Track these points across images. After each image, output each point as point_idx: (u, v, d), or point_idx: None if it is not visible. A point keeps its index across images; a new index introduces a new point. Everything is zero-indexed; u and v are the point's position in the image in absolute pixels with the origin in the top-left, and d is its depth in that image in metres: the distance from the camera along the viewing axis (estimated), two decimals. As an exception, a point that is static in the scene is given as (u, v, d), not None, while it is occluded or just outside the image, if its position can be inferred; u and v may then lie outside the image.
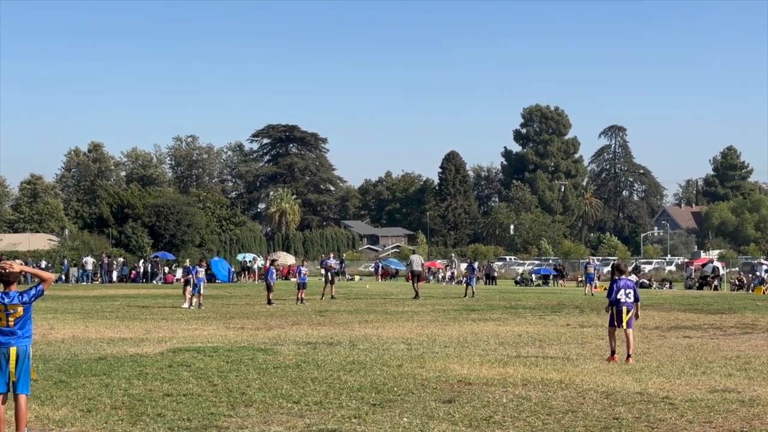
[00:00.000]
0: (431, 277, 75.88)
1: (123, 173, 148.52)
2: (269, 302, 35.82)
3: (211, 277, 56.95)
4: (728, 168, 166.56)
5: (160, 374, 15.28)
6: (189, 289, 35.16)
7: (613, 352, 17.31)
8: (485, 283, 65.20)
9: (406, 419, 11.52)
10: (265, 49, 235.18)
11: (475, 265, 46.69)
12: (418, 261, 43.04)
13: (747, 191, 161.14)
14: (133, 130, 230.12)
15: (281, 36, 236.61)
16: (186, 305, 34.37)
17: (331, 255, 43.84)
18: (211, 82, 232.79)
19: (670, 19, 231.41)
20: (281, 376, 15.13)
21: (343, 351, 18.94)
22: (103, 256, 68.90)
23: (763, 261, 59.20)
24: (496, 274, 71.25)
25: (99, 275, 66.55)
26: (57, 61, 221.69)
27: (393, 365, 16.46)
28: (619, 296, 17.52)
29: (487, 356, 18.00)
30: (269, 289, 36.61)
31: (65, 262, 69.51)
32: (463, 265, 53.29)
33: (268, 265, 41.18)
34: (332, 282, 40.42)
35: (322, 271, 38.46)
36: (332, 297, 39.47)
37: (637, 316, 17.99)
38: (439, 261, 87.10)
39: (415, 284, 41.36)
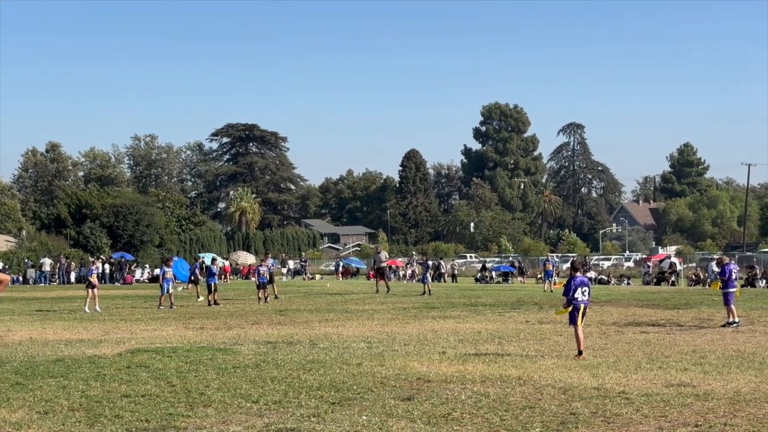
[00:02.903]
0: (392, 275, 75.97)
1: (81, 173, 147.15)
2: (264, 300, 37.07)
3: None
4: (685, 164, 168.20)
5: (118, 375, 15.21)
6: (93, 291, 33.40)
7: (580, 352, 17.38)
8: (439, 281, 65.49)
9: (365, 417, 11.56)
10: (224, 48, 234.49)
11: (430, 263, 47.02)
12: (384, 257, 45.65)
13: (704, 187, 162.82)
14: (91, 130, 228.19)
15: (239, 35, 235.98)
16: (86, 309, 32.88)
17: (269, 256, 44.22)
18: (170, 82, 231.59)
19: (626, 18, 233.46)
20: (240, 375, 15.12)
21: (303, 350, 18.95)
22: (61, 257, 68.31)
23: (714, 256, 59.89)
24: (443, 271, 70.70)
25: (57, 276, 65.99)
26: (13, 61, 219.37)
27: (353, 364, 16.49)
28: (576, 294, 17.64)
29: (446, 354, 18.07)
30: (260, 287, 37.69)
31: (28, 261, 68.92)
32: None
33: (254, 265, 42.01)
34: (271, 282, 40.32)
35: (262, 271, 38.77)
36: (275, 296, 39.41)
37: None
38: (399, 259, 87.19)
39: (380, 280, 43.86)
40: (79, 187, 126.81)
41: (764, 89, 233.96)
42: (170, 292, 34.74)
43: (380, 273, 45.03)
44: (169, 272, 35.52)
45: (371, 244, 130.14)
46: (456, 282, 66.50)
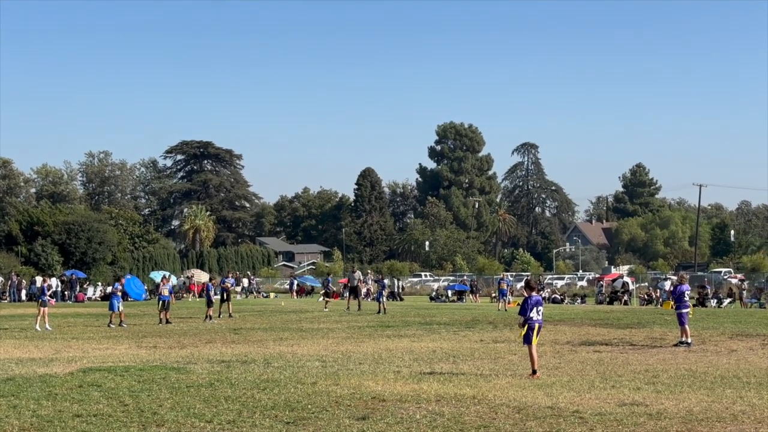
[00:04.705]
0: (347, 294, 75.74)
1: (33, 190, 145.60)
2: (209, 317, 37.07)
3: (123, 295, 56.09)
4: (637, 185, 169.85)
5: (69, 395, 15.03)
6: (44, 309, 32.93)
7: (534, 371, 17.43)
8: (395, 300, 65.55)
9: (319, 437, 11.52)
10: (179, 63, 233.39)
11: (385, 282, 47.37)
12: (357, 276, 46.99)
13: (656, 208, 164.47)
14: (44, 146, 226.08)
15: (194, 51, 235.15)
16: (38, 327, 32.33)
17: (230, 274, 44.37)
18: (125, 98, 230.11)
19: (578, 40, 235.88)
20: (194, 395, 15.00)
21: (257, 369, 18.85)
22: (12, 274, 67.47)
23: (669, 276, 60.44)
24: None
25: (7, 294, 65.15)
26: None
27: (307, 383, 16.44)
28: (531, 314, 17.71)
29: (401, 373, 18.07)
30: (210, 305, 37.77)
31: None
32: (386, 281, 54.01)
33: (205, 282, 42.29)
34: (228, 300, 40.35)
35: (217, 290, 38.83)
36: (229, 315, 39.31)
37: None
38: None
39: (352, 299, 45.76)
40: (30, 203, 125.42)
41: (715, 112, 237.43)
42: (120, 310, 34.48)
43: (353, 292, 45.61)
44: (119, 290, 35.47)
45: (326, 262, 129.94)
46: (402, 300, 66.02)
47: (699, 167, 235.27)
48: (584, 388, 15.75)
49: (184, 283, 70.15)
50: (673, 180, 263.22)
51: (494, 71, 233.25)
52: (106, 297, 64.18)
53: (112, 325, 33.76)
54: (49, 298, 33.66)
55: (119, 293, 35.27)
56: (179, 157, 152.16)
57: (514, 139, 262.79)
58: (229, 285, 41.37)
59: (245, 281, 77.79)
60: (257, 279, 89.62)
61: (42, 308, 32.92)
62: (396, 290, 70.07)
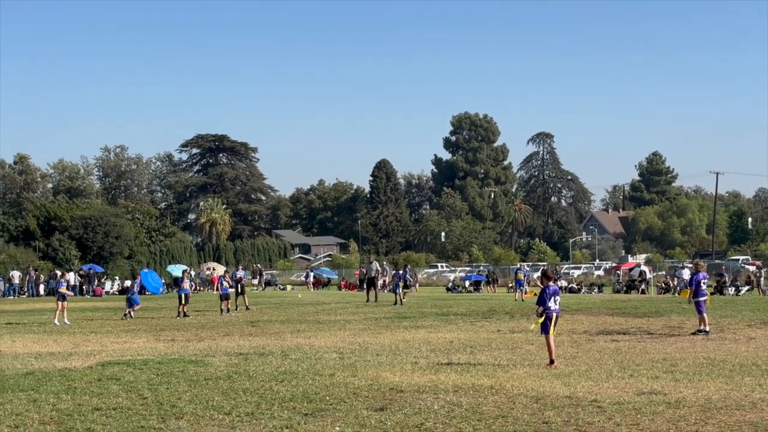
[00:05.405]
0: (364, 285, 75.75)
1: (50, 185, 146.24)
2: (227, 311, 36.80)
3: (141, 289, 56.31)
4: (654, 173, 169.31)
5: (89, 388, 15.08)
6: (63, 304, 32.87)
7: (552, 361, 17.38)
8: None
9: (338, 428, 11.52)
10: (193, 57, 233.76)
11: (401, 273, 47.27)
12: (375, 268, 47.01)
13: (673, 196, 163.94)
14: (60, 142, 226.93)
15: (209, 45, 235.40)
16: (56, 321, 32.25)
17: (240, 267, 44.39)
18: (140, 92, 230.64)
19: (593, 29, 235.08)
20: (212, 387, 15.03)
21: (275, 361, 18.88)
22: (30, 269, 67.81)
23: (686, 265, 60.23)
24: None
25: (26, 289, 65.49)
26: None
27: (325, 374, 16.45)
28: (549, 303, 17.64)
29: (418, 363, 18.06)
30: (223, 298, 37.42)
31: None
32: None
33: (217, 276, 42.35)
34: (243, 293, 40.40)
35: (231, 283, 38.84)
36: (246, 308, 39.37)
37: None
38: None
39: (371, 290, 45.77)
40: (47, 199, 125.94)
41: (732, 99, 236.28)
42: (137, 303, 35.17)
43: (371, 283, 45.85)
44: (136, 285, 36.01)
45: (342, 254, 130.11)
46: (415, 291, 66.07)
47: (715, 155, 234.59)
48: (602, 377, 15.71)
49: (207, 276, 70.42)
50: (690, 168, 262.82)
51: (509, 61, 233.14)
52: (124, 291, 64.56)
53: (131, 317, 34.27)
54: (66, 292, 33.91)
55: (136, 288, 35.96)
56: (195, 150, 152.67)
57: (530, 128, 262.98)
58: (241, 276, 41.43)
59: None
60: (273, 271, 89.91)
61: (60, 303, 33.06)
62: (407, 281, 69.71)
